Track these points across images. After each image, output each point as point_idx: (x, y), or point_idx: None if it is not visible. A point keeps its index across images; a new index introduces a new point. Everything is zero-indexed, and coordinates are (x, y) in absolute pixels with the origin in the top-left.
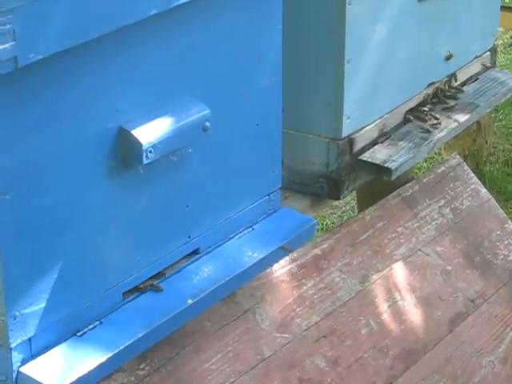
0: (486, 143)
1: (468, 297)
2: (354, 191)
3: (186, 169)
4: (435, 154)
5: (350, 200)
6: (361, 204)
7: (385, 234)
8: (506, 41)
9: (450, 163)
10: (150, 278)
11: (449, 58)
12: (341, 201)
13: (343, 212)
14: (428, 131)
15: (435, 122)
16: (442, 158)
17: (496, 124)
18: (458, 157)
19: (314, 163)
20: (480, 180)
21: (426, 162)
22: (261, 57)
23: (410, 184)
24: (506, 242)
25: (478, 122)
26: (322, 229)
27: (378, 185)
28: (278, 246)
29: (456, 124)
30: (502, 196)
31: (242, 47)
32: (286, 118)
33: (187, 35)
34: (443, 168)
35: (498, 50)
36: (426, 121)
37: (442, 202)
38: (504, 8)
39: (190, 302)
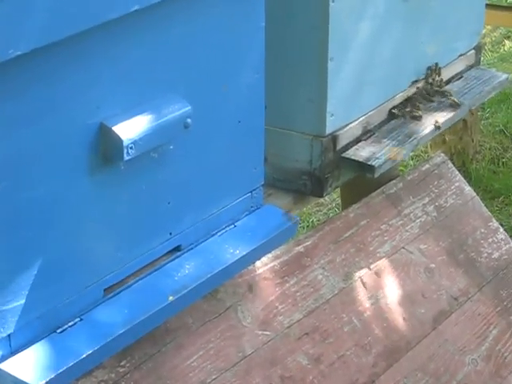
0: (473, 141)
1: (451, 295)
2: (338, 189)
3: (167, 165)
4: (421, 151)
5: (335, 197)
6: (345, 201)
7: (368, 232)
8: (493, 39)
9: (434, 161)
10: (131, 275)
11: (431, 64)
12: (326, 198)
13: (329, 209)
14: (412, 117)
15: (417, 114)
16: (428, 156)
17: (483, 122)
18: (442, 155)
19: (297, 160)
20: (466, 178)
21: (412, 159)
22: (243, 54)
23: (394, 181)
24: (490, 239)
25: (464, 120)
26: (307, 226)
27: (362, 182)
28: (261, 243)
29: (440, 122)
30: (488, 194)
31: (225, 44)
32: (269, 115)
33: (169, 32)
34: (427, 166)
35: (486, 48)
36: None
37: (426, 199)
38: (491, 6)
39: (171, 298)
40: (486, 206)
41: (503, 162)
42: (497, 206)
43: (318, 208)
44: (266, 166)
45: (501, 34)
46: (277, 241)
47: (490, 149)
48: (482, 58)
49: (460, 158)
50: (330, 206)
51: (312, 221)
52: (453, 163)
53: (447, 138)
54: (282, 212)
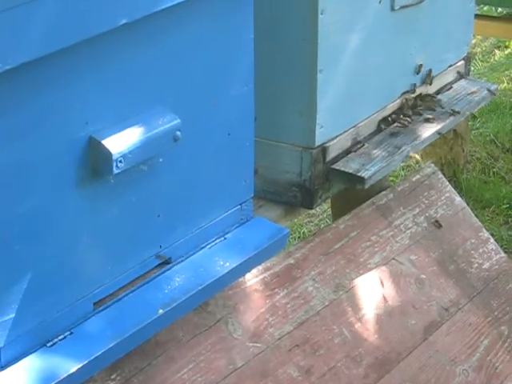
0: (463, 151)
1: (442, 305)
2: (329, 200)
3: (157, 178)
4: (412, 162)
5: (326, 208)
6: (335, 212)
7: (359, 243)
8: (484, 49)
9: (424, 172)
10: (121, 288)
11: (421, 72)
12: (317, 209)
13: (320, 220)
14: (402, 128)
15: (405, 124)
16: (419, 166)
17: (473, 132)
18: (432, 165)
19: (287, 172)
20: (457, 188)
21: (403, 169)
22: (232, 66)
23: (384, 192)
24: (480, 250)
25: (454, 131)
26: (298, 237)
27: (353, 193)
28: (251, 255)
29: (429, 133)
30: (478, 204)
31: (214, 56)
32: (259, 127)
33: (158, 45)
34: (418, 176)
35: (477, 57)
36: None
37: (417, 210)
38: (481, 16)
39: (160, 312)
40: (476, 215)
41: (494, 172)
42: (487, 216)
43: (309, 219)
44: (256, 177)
45: (491, 43)
46: (267, 253)
47: (480, 159)
48: (472, 68)
49: (451, 168)
50: (321, 216)
51: (303, 232)
52: (443, 173)
53: (438, 149)
54: (272, 224)
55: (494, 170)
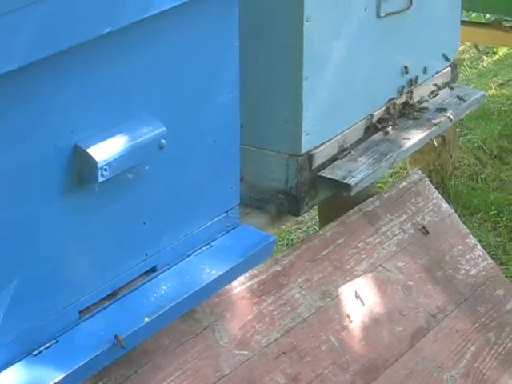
0: (451, 158)
1: (429, 312)
2: (316, 207)
3: (142, 186)
4: (400, 168)
5: (314, 215)
6: (322, 219)
7: (345, 250)
8: (472, 55)
9: (411, 178)
10: (107, 296)
11: (408, 79)
12: (306, 216)
13: (308, 227)
14: (389, 135)
15: (392, 131)
16: (406, 173)
17: (461, 138)
18: (419, 172)
19: (273, 179)
20: (445, 194)
21: (391, 176)
22: (218, 74)
23: (371, 199)
24: (467, 256)
25: (442, 137)
26: (287, 244)
27: (340, 200)
28: (237, 262)
29: (416, 139)
30: (466, 210)
31: (199, 64)
32: (245, 134)
33: (142, 53)
34: (405, 183)
35: (465, 64)
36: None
37: (404, 217)
38: (470, 23)
39: (146, 320)
40: (464, 222)
41: (482, 179)
42: (475, 222)
43: (297, 226)
44: (243, 185)
45: (479, 50)
46: (253, 260)
47: (468, 165)
48: (461, 74)
49: (439, 175)
50: (309, 223)
51: (291, 238)
52: (431, 180)
53: (426, 155)
54: (258, 232)
55: (482, 176)
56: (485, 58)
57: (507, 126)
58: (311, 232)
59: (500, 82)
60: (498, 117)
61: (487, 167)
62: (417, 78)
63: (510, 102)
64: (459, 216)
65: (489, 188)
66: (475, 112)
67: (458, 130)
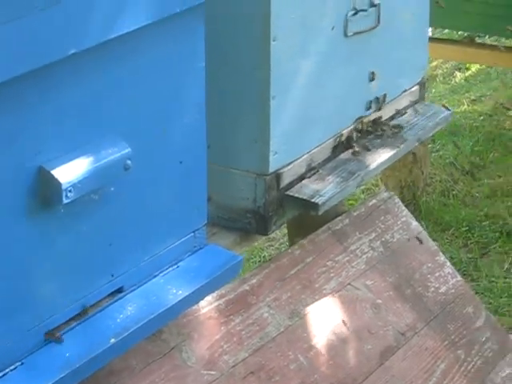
0: (423, 174)
1: (398, 330)
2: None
3: (108, 207)
4: (372, 184)
5: (286, 232)
6: (292, 237)
7: (314, 269)
8: (445, 71)
9: (380, 196)
10: (73, 318)
11: (375, 98)
12: (278, 233)
13: (281, 244)
14: (357, 154)
15: (360, 150)
16: (378, 189)
17: (433, 155)
18: (388, 190)
19: (241, 199)
20: (416, 211)
21: (363, 193)
22: (184, 94)
23: (340, 218)
24: (437, 274)
25: (414, 154)
26: (259, 261)
27: (309, 219)
28: (204, 283)
29: (384, 158)
30: (438, 226)
31: (165, 84)
32: (214, 153)
33: (108, 74)
34: (374, 201)
35: (438, 79)
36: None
37: (373, 235)
38: (441, 40)
39: (112, 341)
40: (436, 238)
41: (453, 195)
42: (447, 239)
43: (269, 243)
44: (211, 204)
45: (452, 65)
46: (220, 280)
47: (440, 181)
48: (433, 90)
49: (410, 191)
50: (281, 240)
51: (264, 256)
52: (403, 196)
53: (397, 172)
54: (226, 251)
55: (454, 192)
56: (457, 73)
57: (479, 142)
58: (283, 249)
59: (472, 97)
60: (469, 133)
61: (459, 183)
62: (385, 96)
63: (481, 117)
64: (430, 232)
65: (460, 204)
66: (447, 128)
67: (430, 146)
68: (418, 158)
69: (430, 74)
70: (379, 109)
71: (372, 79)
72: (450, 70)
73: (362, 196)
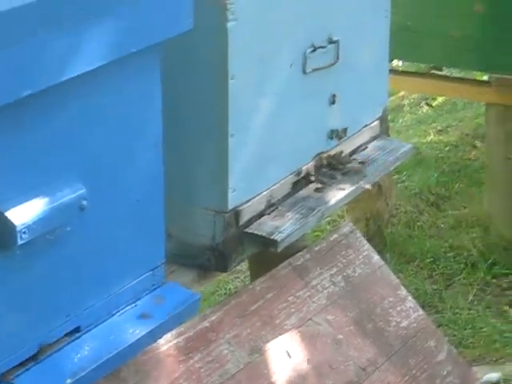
0: (388, 205)
1: (359, 365)
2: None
3: (64, 247)
4: (338, 216)
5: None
6: (253, 273)
7: (275, 305)
8: (412, 101)
9: (342, 231)
10: (29, 359)
11: (335, 134)
12: (243, 265)
13: (246, 277)
14: (317, 190)
15: (320, 186)
16: (344, 221)
17: (399, 185)
18: (350, 224)
19: (200, 236)
20: (381, 242)
21: (328, 224)
22: (140, 133)
23: (301, 253)
24: (398, 308)
25: (379, 185)
26: (224, 293)
27: (270, 254)
28: (162, 321)
29: (344, 194)
30: (403, 258)
31: (121, 124)
32: (174, 190)
33: (63, 113)
34: (335, 236)
35: (405, 110)
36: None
37: (334, 270)
38: (406, 73)
39: (69, 381)
40: (401, 270)
41: (418, 226)
42: (412, 270)
43: (235, 275)
44: (171, 241)
45: (419, 96)
46: (179, 318)
47: (405, 212)
48: (400, 120)
49: (375, 223)
50: (247, 273)
51: (229, 288)
52: (368, 228)
53: (362, 203)
54: (184, 290)
55: (419, 223)
56: (424, 104)
57: (444, 172)
58: (248, 281)
59: (438, 128)
60: (435, 163)
61: (424, 214)
62: (345, 131)
63: (447, 148)
64: (395, 264)
65: (425, 235)
66: (413, 159)
67: (395, 177)
68: (384, 190)
69: (398, 104)
70: (339, 144)
71: (331, 115)
72: (416, 101)
73: (328, 227)
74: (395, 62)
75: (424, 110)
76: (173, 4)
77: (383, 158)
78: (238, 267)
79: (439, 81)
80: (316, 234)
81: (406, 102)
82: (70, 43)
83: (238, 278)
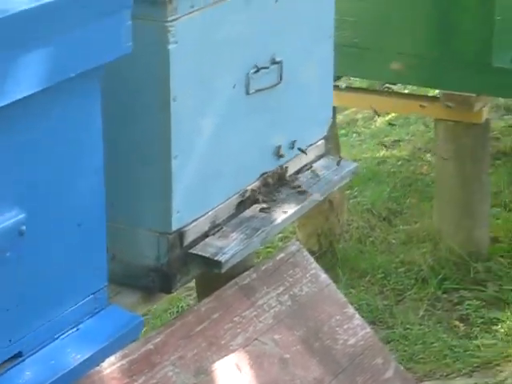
0: (339, 221)
1: None
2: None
3: (4, 272)
4: (289, 232)
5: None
6: (200, 293)
7: (221, 325)
8: (365, 115)
9: (289, 249)
10: None
11: (280, 153)
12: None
13: None
14: (262, 210)
15: (265, 205)
16: (296, 237)
17: (351, 201)
18: (297, 243)
19: (145, 257)
20: (333, 258)
21: (280, 240)
22: (80, 157)
23: (247, 272)
24: (345, 326)
25: (329, 201)
26: (177, 311)
27: (216, 274)
28: (104, 345)
29: (289, 213)
30: (355, 273)
31: (61, 148)
32: (118, 212)
33: (1, 139)
34: (282, 255)
35: (358, 124)
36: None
37: (281, 289)
38: (354, 89)
39: None
40: (353, 286)
41: (370, 241)
42: (363, 286)
43: (187, 293)
44: (115, 262)
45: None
46: (121, 342)
47: (357, 228)
48: (354, 135)
49: (327, 239)
50: None
51: (181, 306)
52: (320, 244)
53: (314, 220)
54: (126, 313)
55: (371, 239)
56: (378, 118)
57: (396, 187)
58: None
59: (391, 142)
60: (387, 178)
61: (376, 230)
62: (290, 151)
63: (399, 162)
64: (347, 280)
65: (377, 251)
66: (366, 174)
67: (348, 192)
68: (335, 206)
69: (352, 119)
70: (284, 163)
71: (276, 135)
72: (370, 115)
73: (280, 243)
74: (351, 79)
75: (377, 124)
76: (111, 28)
77: (328, 177)
78: (191, 284)
79: (390, 97)
80: (268, 250)
81: (359, 116)
82: (5, 69)
83: (191, 295)
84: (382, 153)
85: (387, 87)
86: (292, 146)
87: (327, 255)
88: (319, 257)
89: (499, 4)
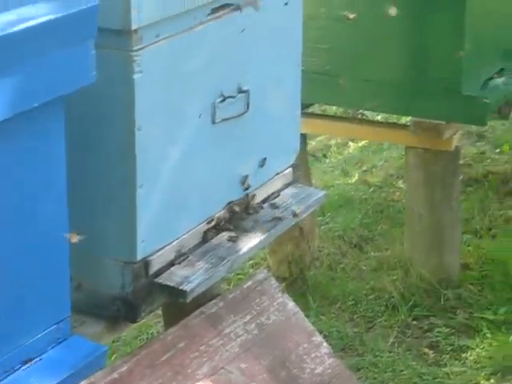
0: (310, 248)
1: None
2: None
3: None
4: (261, 258)
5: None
6: (167, 321)
7: (187, 354)
8: (339, 141)
9: (257, 278)
10: None
11: (246, 184)
12: None
13: None
14: (228, 238)
15: (231, 234)
16: (267, 263)
17: (322, 227)
18: (265, 271)
19: (110, 286)
20: (304, 285)
21: (252, 267)
22: (43, 187)
23: (214, 301)
24: (313, 355)
25: (300, 228)
26: (147, 338)
27: (183, 302)
28: (67, 375)
29: (255, 242)
30: (325, 300)
31: (22, 177)
32: (83, 241)
33: None
34: (250, 283)
35: (332, 150)
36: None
37: (248, 317)
38: (324, 116)
39: None
40: (323, 312)
41: (341, 268)
42: (334, 313)
43: (158, 319)
44: (81, 292)
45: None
46: (84, 372)
47: (328, 254)
48: (327, 160)
49: (298, 266)
50: None
51: (152, 332)
52: (291, 271)
53: (284, 246)
54: (90, 343)
55: (342, 265)
56: (351, 144)
57: (368, 214)
58: None
59: (363, 168)
60: (359, 205)
61: (347, 256)
62: (256, 179)
63: (371, 189)
64: (317, 307)
65: (347, 277)
66: (337, 201)
67: (319, 218)
68: (305, 232)
69: (325, 144)
70: (251, 192)
71: (242, 164)
72: (343, 141)
73: (251, 270)
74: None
75: (350, 150)
76: (75, 57)
77: (296, 206)
78: (159, 311)
79: (361, 124)
80: (239, 277)
81: (332, 142)
82: None
83: (160, 322)
84: (355, 179)
85: (361, 113)
86: (259, 174)
87: (298, 282)
88: (290, 284)
89: (469, 32)
